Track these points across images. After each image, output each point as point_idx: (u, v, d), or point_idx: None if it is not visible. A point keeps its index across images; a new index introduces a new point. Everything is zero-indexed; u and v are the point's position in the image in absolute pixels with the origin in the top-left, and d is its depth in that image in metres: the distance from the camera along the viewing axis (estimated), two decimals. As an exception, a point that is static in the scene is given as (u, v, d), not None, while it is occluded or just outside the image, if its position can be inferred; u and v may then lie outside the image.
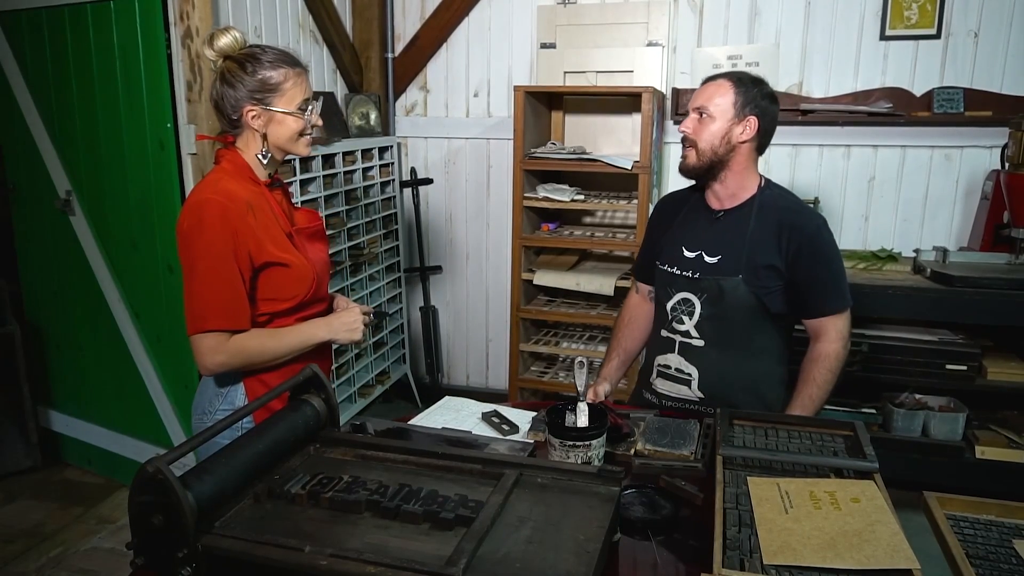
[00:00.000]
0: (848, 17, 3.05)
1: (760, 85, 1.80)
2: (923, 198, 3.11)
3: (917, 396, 2.78)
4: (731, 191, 1.83)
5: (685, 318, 1.84)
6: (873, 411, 2.80)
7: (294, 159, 2.69)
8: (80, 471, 3.19)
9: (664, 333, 1.90)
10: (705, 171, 1.81)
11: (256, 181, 1.60)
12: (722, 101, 1.77)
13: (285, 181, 1.87)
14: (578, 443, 1.36)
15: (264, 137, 1.58)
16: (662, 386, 1.90)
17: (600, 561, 1.01)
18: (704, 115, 1.78)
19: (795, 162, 3.19)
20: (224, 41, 1.54)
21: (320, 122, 1.64)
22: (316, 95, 1.63)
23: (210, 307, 1.51)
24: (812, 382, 1.78)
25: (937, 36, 2.96)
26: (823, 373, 1.77)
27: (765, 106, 1.78)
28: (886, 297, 2.58)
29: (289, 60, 1.58)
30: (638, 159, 2.93)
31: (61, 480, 3.13)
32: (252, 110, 1.55)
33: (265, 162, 1.61)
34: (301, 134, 1.60)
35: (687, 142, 1.81)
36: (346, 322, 1.65)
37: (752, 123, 1.77)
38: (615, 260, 3.43)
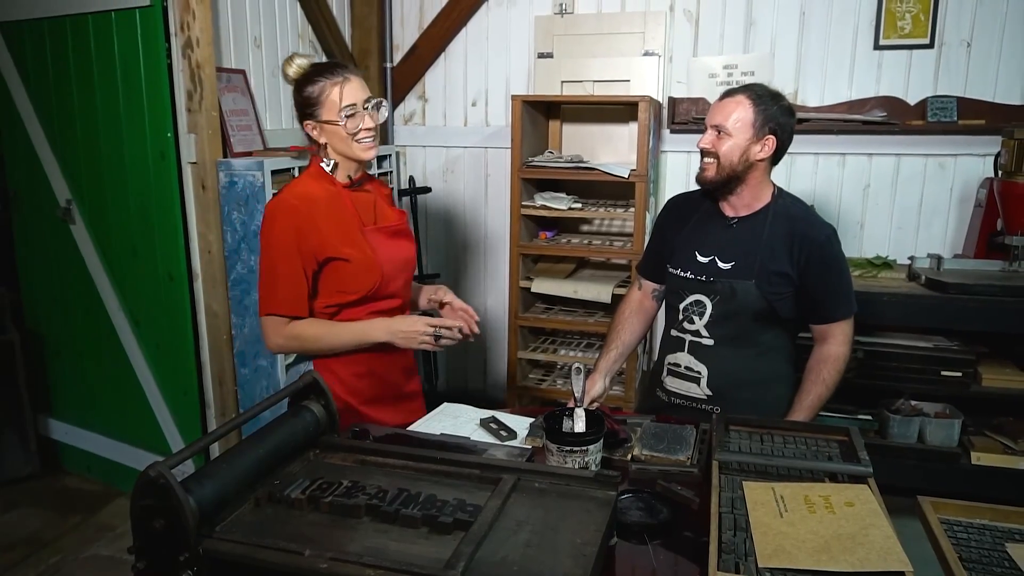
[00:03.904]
0: (842, 27, 3.07)
1: (778, 100, 1.81)
2: (918, 206, 3.13)
3: (913, 402, 2.79)
4: (746, 202, 1.87)
5: (696, 318, 1.88)
6: (869, 417, 2.81)
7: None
8: (79, 479, 3.19)
9: (674, 332, 1.95)
10: (722, 184, 1.85)
11: (333, 182, 1.75)
12: (741, 119, 1.78)
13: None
14: (575, 448, 1.37)
15: (325, 146, 1.74)
16: (672, 384, 1.94)
17: (597, 564, 1.02)
18: (722, 133, 1.80)
19: (791, 170, 3.21)
20: (291, 71, 1.73)
21: (370, 123, 1.72)
22: (370, 99, 1.72)
23: (272, 294, 1.70)
24: (822, 383, 1.84)
25: (930, 46, 2.99)
26: (832, 374, 1.84)
27: (783, 122, 1.80)
28: (882, 304, 2.60)
29: (326, 71, 1.71)
30: (635, 167, 2.95)
31: (60, 488, 3.13)
32: (308, 124, 1.72)
33: (328, 168, 1.75)
34: (354, 138, 1.70)
35: (706, 155, 1.84)
36: (404, 330, 1.72)
37: (770, 142, 1.80)
38: (612, 268, 3.44)
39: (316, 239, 1.68)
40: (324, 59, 3.37)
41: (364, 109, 1.70)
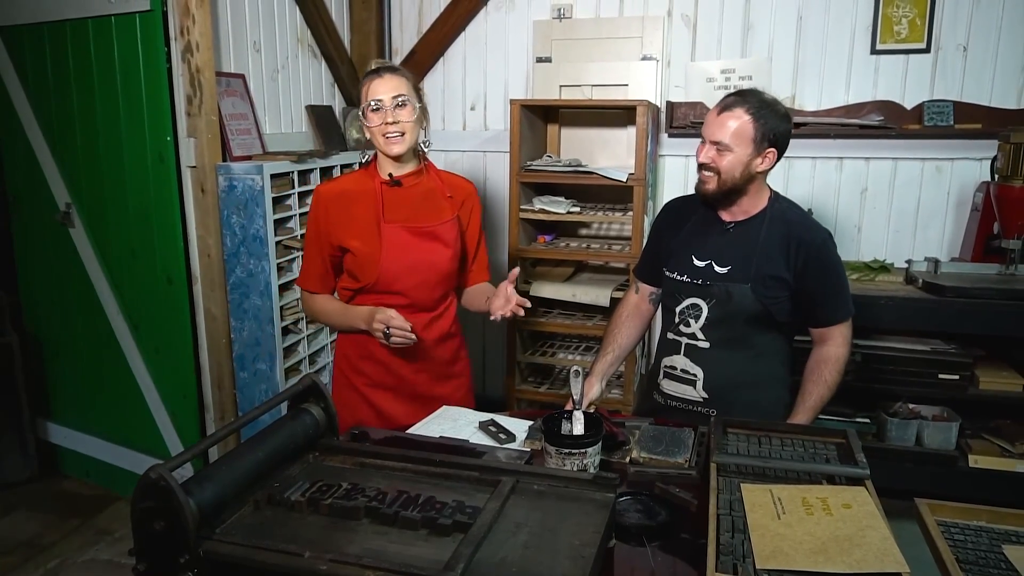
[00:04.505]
0: (839, 31, 3.09)
1: (775, 108, 1.79)
2: (915, 209, 3.14)
3: (911, 405, 2.79)
4: (743, 208, 1.88)
5: (692, 321, 1.89)
6: (867, 420, 2.81)
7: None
8: (78, 482, 3.19)
9: (670, 335, 1.95)
10: (724, 196, 1.85)
11: (373, 177, 1.89)
12: (741, 135, 1.76)
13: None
14: (574, 451, 1.37)
15: (370, 141, 1.87)
16: (668, 387, 1.95)
17: (596, 566, 1.02)
18: (723, 149, 1.79)
19: (788, 174, 3.22)
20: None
21: (389, 118, 1.79)
22: (397, 96, 1.79)
23: (301, 269, 1.99)
24: (824, 383, 1.85)
25: (927, 50, 3.00)
26: (833, 375, 1.86)
27: (782, 131, 1.79)
28: (879, 307, 2.61)
29: (370, 73, 1.83)
30: (633, 171, 2.96)
31: (58, 492, 3.13)
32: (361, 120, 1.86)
33: (364, 159, 1.93)
34: (378, 132, 1.81)
35: (706, 168, 1.83)
36: (373, 325, 1.80)
37: (771, 155, 1.80)
38: (611, 272, 3.45)
39: (328, 228, 1.87)
40: (324, 65, 3.39)
41: (380, 102, 1.78)
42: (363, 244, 1.84)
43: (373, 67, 1.84)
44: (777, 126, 1.78)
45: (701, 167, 1.84)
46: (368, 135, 1.84)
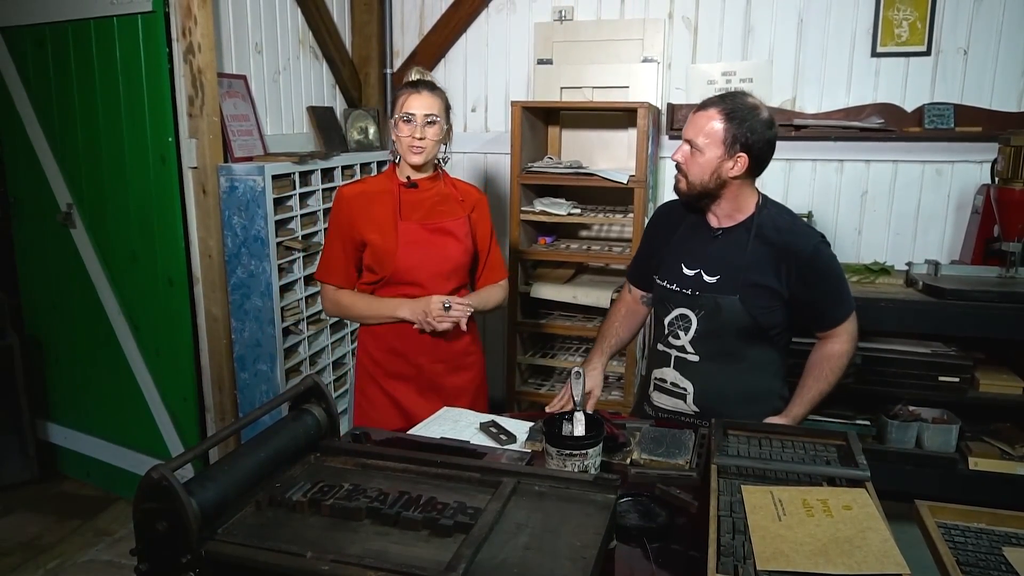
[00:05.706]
0: (840, 34, 3.10)
1: (754, 113, 1.73)
2: (915, 212, 3.14)
3: (911, 408, 2.80)
4: (727, 212, 1.84)
5: (681, 333, 1.85)
6: (868, 423, 2.82)
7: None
8: (78, 483, 3.19)
9: (660, 347, 1.92)
10: (696, 199, 1.82)
11: (392, 179, 2.02)
12: (711, 136, 1.73)
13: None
14: (575, 452, 1.38)
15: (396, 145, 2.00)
16: (659, 400, 1.92)
17: (596, 567, 1.02)
18: (694, 149, 1.76)
19: (789, 177, 3.22)
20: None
21: (418, 133, 1.92)
22: (428, 115, 1.92)
23: (321, 264, 2.07)
24: (824, 379, 1.81)
25: (927, 53, 3.01)
26: (834, 371, 1.82)
27: (757, 138, 1.73)
28: (879, 310, 2.61)
29: (409, 85, 1.96)
30: (634, 173, 2.97)
31: (59, 492, 3.13)
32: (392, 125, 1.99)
33: (396, 161, 2.02)
34: (404, 142, 1.94)
35: (678, 168, 1.82)
36: (416, 309, 1.95)
37: (742, 160, 1.74)
38: (611, 273, 3.45)
39: (351, 223, 1.98)
40: (326, 66, 3.39)
41: (412, 116, 1.91)
42: (381, 238, 1.96)
43: (413, 79, 1.98)
44: (753, 131, 1.72)
45: (676, 166, 1.83)
46: (393, 138, 1.97)
